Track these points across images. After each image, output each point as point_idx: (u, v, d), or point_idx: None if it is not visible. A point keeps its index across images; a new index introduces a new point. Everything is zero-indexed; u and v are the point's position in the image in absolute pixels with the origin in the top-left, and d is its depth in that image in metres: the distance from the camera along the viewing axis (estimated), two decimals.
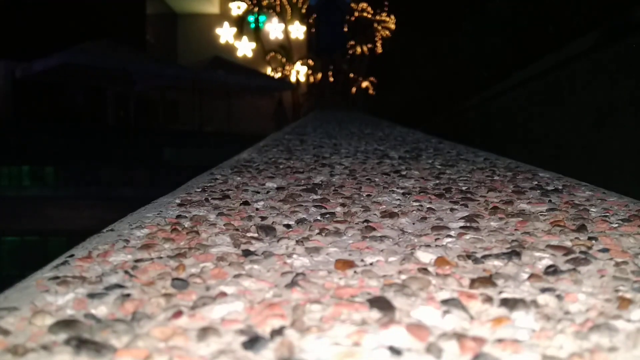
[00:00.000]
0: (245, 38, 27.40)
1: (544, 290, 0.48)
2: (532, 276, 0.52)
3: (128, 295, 0.47)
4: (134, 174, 3.50)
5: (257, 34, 25.89)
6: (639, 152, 2.20)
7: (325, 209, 0.83)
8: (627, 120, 2.31)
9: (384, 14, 26.75)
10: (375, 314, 0.43)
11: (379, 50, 27.82)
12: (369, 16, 25.92)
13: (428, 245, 0.64)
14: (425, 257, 0.59)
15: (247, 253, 0.61)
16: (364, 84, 28.29)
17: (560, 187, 0.93)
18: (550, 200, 0.86)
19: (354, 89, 27.08)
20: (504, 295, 0.47)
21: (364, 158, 1.23)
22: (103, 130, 11.65)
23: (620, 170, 2.30)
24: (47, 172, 3.40)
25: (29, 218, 1.96)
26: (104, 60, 12.44)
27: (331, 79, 6.22)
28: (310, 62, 25.45)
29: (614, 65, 2.49)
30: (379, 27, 27.18)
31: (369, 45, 26.84)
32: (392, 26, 27.19)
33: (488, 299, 0.46)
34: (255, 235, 0.69)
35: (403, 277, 0.52)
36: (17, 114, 14.34)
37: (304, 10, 24.60)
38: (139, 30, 22.38)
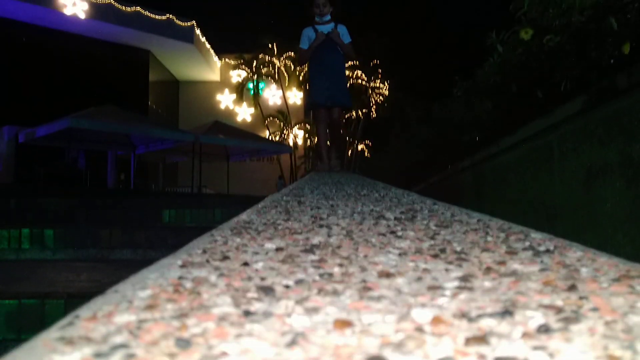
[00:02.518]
0: (244, 104, 28.10)
1: (536, 348, 0.49)
2: (524, 334, 0.54)
3: (133, 354, 0.49)
4: (133, 236, 3.50)
5: (256, 100, 26.61)
6: (630, 212, 2.23)
7: (324, 269, 0.85)
8: (616, 181, 2.36)
9: (377, 81, 27.73)
10: None
11: (374, 114, 28.55)
12: (364, 83, 26.85)
13: (424, 305, 0.66)
14: (421, 316, 0.61)
15: (247, 313, 0.62)
16: (360, 147, 28.81)
17: (551, 248, 0.96)
18: (542, 261, 0.88)
19: (350, 151, 27.53)
20: (497, 354, 0.48)
21: (361, 219, 1.25)
22: (103, 193, 11.69)
23: (613, 231, 2.32)
24: (46, 235, 3.40)
25: (27, 281, 1.95)
26: (106, 125, 12.70)
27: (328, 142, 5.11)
28: (308, 126, 25.99)
29: (601, 128, 2.57)
30: (373, 93, 28.04)
31: (364, 110, 27.63)
32: (386, 92, 28.08)
33: (482, 357, 0.47)
34: (255, 295, 0.71)
35: (400, 336, 0.54)
36: (19, 177, 14.45)
37: (301, 78, 25.43)
38: (142, 96, 23.02)
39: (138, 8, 21.11)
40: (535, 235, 1.06)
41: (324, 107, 5.06)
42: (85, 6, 19.56)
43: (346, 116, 24.81)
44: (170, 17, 22.10)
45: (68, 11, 19.09)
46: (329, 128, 5.14)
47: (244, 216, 1.31)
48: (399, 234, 1.14)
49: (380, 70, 26.81)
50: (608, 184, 2.44)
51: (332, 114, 5.10)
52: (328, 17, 5.08)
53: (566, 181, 2.87)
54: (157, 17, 21.72)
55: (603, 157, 2.50)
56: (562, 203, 2.91)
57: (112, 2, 20.36)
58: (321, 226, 1.21)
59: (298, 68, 25.01)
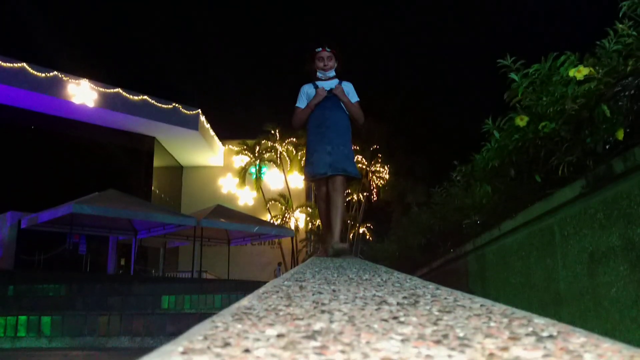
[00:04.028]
0: (247, 188, 28.47)
1: None
2: None
3: None
4: (132, 323, 3.42)
5: (258, 184, 27.00)
6: (636, 298, 2.20)
7: (325, 355, 0.84)
8: (620, 265, 2.35)
9: (378, 165, 28.30)
10: None
11: (375, 197, 28.85)
12: (364, 167, 27.39)
13: None
14: None
15: None
16: (362, 229, 28.78)
17: (555, 334, 0.95)
18: (545, 347, 0.87)
19: (351, 234, 27.46)
20: None
21: (363, 304, 1.25)
22: (103, 278, 11.55)
23: (620, 317, 2.28)
24: (43, 322, 3.33)
25: None
26: (108, 211, 12.80)
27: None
28: (309, 209, 26.10)
29: (601, 212, 2.60)
30: (374, 177, 28.52)
31: (365, 193, 27.93)
32: (386, 176, 28.57)
33: None
34: None
35: None
36: (19, 262, 14.38)
37: (303, 162, 25.89)
38: (146, 181, 23.40)
39: (145, 97, 21.95)
40: (539, 321, 1.05)
41: (325, 176, 4.12)
42: (95, 95, 20.31)
43: (347, 199, 25.06)
44: (176, 105, 22.94)
45: (77, 100, 19.77)
46: (330, 202, 4.15)
47: (244, 302, 1.30)
48: (402, 319, 1.13)
49: (380, 155, 27.46)
50: (612, 269, 2.42)
51: (335, 183, 4.11)
52: (332, 73, 4.38)
53: (569, 265, 2.85)
54: (164, 105, 22.55)
55: (605, 241, 2.51)
56: (567, 288, 2.87)
57: (120, 91, 21.22)
58: (323, 312, 1.20)
59: (300, 153, 25.58)
